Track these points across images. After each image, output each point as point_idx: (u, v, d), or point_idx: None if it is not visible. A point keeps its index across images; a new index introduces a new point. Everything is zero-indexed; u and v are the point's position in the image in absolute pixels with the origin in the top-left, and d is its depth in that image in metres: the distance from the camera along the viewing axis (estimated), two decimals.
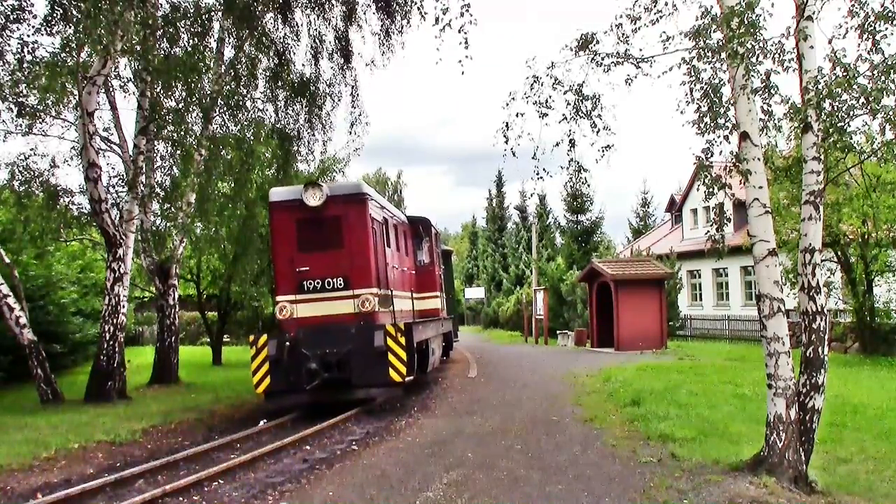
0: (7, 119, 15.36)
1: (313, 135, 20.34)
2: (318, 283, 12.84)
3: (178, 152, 18.13)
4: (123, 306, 16.13)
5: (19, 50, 13.47)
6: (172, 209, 18.72)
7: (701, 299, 36.18)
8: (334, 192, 13.19)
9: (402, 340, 12.31)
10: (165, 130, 17.41)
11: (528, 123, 8.06)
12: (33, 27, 13.44)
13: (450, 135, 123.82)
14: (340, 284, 12.82)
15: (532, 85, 8.13)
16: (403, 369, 12.32)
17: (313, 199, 12.83)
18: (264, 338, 12.49)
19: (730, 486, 6.96)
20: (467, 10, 7.98)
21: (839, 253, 21.07)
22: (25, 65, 13.62)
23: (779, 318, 7.41)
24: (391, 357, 12.28)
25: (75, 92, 15.30)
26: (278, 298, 13.05)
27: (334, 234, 12.96)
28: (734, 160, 7.89)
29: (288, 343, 12.26)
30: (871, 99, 7.14)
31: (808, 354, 7.47)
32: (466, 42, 8.12)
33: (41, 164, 16.72)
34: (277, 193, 13.68)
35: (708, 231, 8.43)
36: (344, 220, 12.99)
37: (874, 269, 20.98)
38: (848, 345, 22.76)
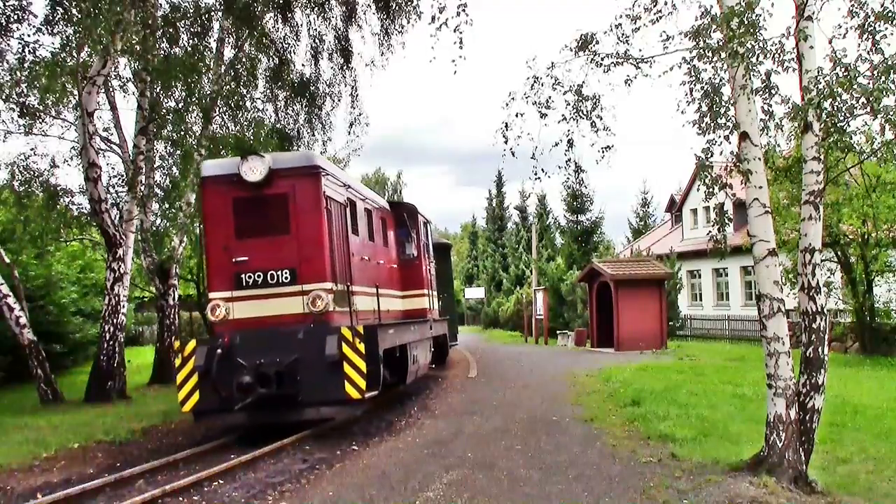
0: (7, 119, 15.39)
1: (313, 135, 20.39)
2: (258, 276, 10.69)
3: (178, 152, 18.14)
4: (123, 306, 16.13)
5: (20, 50, 13.50)
6: (172, 209, 18.72)
7: (701, 299, 36.18)
8: (279, 164, 10.92)
9: (362, 347, 10.18)
10: (165, 130, 17.42)
11: (528, 123, 8.07)
12: (34, 27, 13.47)
13: (450, 135, 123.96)
14: (286, 278, 10.67)
15: (532, 85, 8.13)
16: (362, 383, 10.17)
17: (253, 172, 10.67)
18: (192, 344, 10.48)
19: (730, 486, 6.96)
20: (463, 10, 7.98)
21: (839, 253, 21.07)
22: (26, 65, 13.64)
23: (779, 318, 7.41)
24: (347, 368, 10.16)
25: (75, 92, 15.31)
26: (211, 296, 10.94)
27: (279, 217, 10.80)
28: (734, 160, 7.89)
29: (220, 351, 10.21)
30: (871, 99, 7.13)
31: (808, 354, 7.46)
32: (461, 42, 8.11)
33: (41, 164, 16.77)
34: (210, 166, 11.55)
35: (709, 231, 8.44)
36: (291, 198, 10.82)
37: (874, 269, 20.98)
38: (848, 345, 22.76)
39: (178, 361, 10.46)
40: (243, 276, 10.72)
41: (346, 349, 10.20)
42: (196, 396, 10.31)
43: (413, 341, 13.81)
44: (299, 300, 10.63)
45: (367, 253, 13.00)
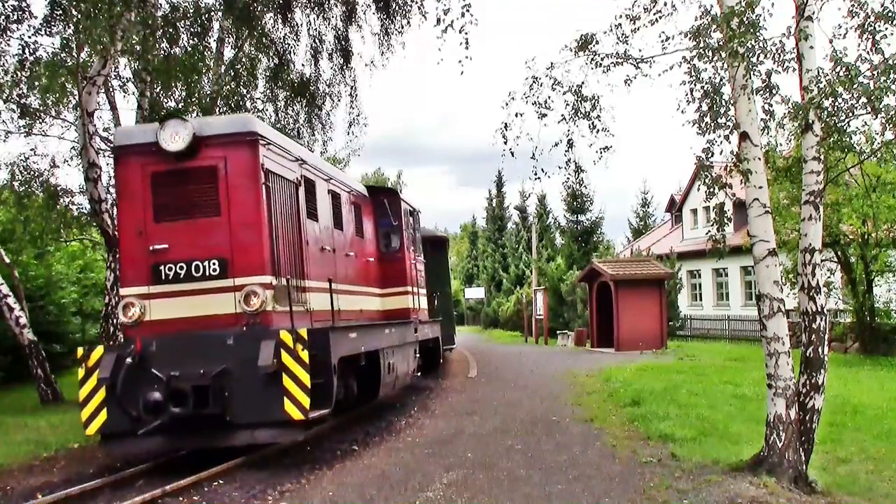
0: (7, 119, 15.40)
1: (313, 135, 20.37)
2: (181, 268, 8.84)
3: None
4: None
5: (20, 51, 13.50)
6: None
7: (701, 299, 36.18)
8: (207, 130, 9.02)
9: (305, 355, 8.36)
10: None
11: (528, 124, 8.09)
12: (34, 28, 13.46)
13: (451, 135, 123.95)
14: (215, 270, 8.82)
15: (531, 85, 8.14)
16: (306, 400, 8.30)
17: (174, 140, 8.78)
18: (98, 351, 8.71)
19: (730, 486, 6.96)
20: (468, 11, 7.99)
21: (839, 253, 21.08)
22: (26, 65, 13.64)
23: (779, 318, 7.41)
24: (287, 381, 8.33)
25: (75, 92, 15.31)
26: (122, 292, 9.10)
27: (207, 195, 8.95)
28: (734, 160, 7.90)
29: (130, 360, 8.41)
30: (873, 98, 7.14)
31: (808, 354, 7.47)
32: (467, 43, 8.14)
33: (41, 164, 16.78)
34: (123, 133, 9.85)
35: (709, 231, 8.44)
36: (222, 172, 8.93)
37: (874, 269, 20.99)
38: (848, 345, 22.76)
39: (81, 373, 8.66)
40: (162, 267, 8.85)
41: (285, 358, 8.35)
42: (103, 416, 8.50)
43: (389, 346, 11.96)
44: (230, 297, 8.80)
45: (330, 243, 11.14)
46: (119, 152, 9.40)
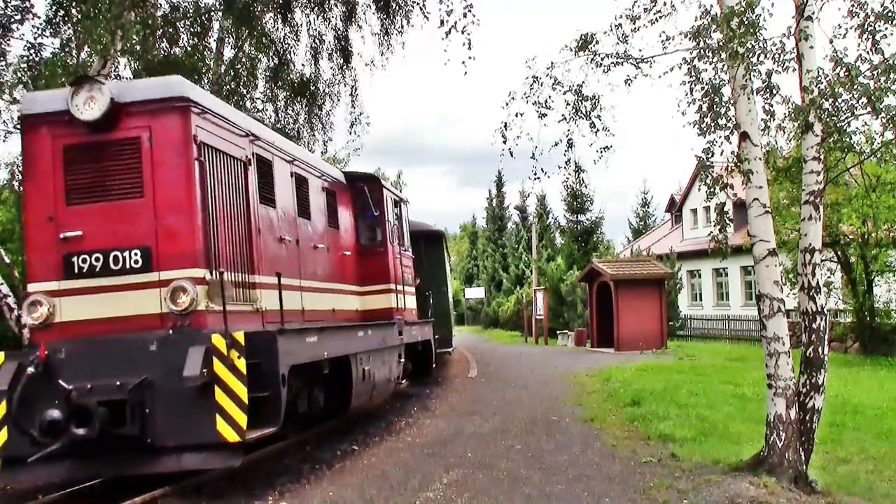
0: (8, 119, 15.38)
1: (313, 135, 20.36)
2: (97, 259, 7.42)
3: None
4: None
5: (26, 51, 13.51)
6: None
7: (701, 299, 36.19)
8: (128, 95, 7.57)
9: (242, 365, 6.97)
10: None
11: (528, 123, 8.09)
12: (37, 28, 13.47)
13: (453, 135, 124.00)
14: (137, 262, 7.40)
15: (532, 85, 8.14)
16: (242, 418, 6.92)
17: (89, 107, 7.37)
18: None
19: (730, 486, 6.96)
20: (470, 11, 8.01)
21: (839, 253, 21.09)
22: (27, 65, 13.65)
23: (779, 318, 7.41)
24: (220, 396, 6.93)
25: None
26: (29, 288, 7.73)
27: (128, 172, 7.53)
28: (735, 160, 7.90)
29: (32, 369, 6.99)
30: (873, 98, 7.14)
31: (808, 354, 7.47)
32: (470, 43, 8.16)
33: None
34: (30, 100, 8.41)
35: (711, 232, 8.44)
36: (146, 145, 7.52)
37: (874, 269, 21.00)
38: (848, 345, 22.77)
39: None
40: (75, 259, 7.43)
41: (217, 367, 6.94)
42: (3, 436, 7.05)
43: (363, 351, 10.43)
44: (155, 294, 7.38)
45: (292, 233, 9.68)
46: (25, 122, 7.79)
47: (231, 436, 6.92)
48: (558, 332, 31.22)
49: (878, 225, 19.64)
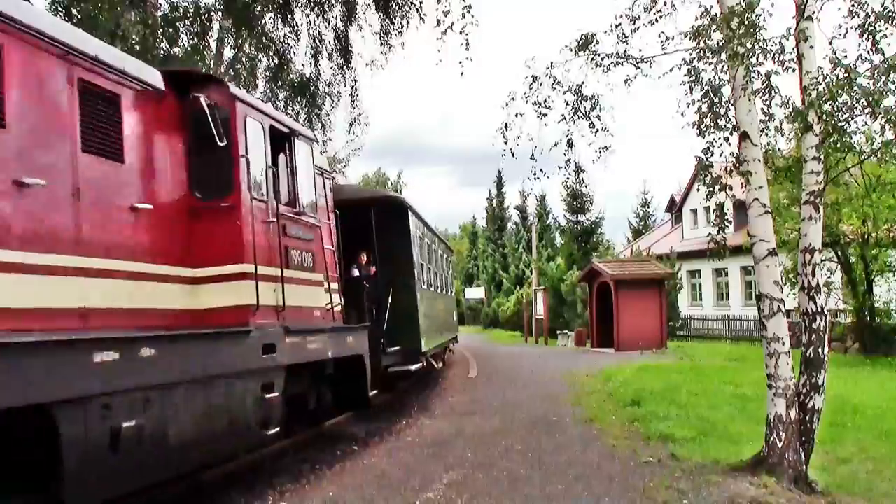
0: None
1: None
2: None
3: None
4: None
5: None
6: None
7: (701, 299, 36.20)
8: None
9: None
10: None
11: (528, 123, 8.09)
12: None
13: (453, 135, 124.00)
14: None
15: (531, 85, 8.14)
16: None
17: None
18: None
19: (730, 486, 6.96)
20: (468, 12, 8.01)
21: (839, 253, 21.08)
22: None
23: (779, 318, 7.41)
24: None
25: None
26: None
27: None
28: (735, 161, 7.90)
29: None
30: (872, 101, 7.13)
31: (808, 355, 7.46)
32: (468, 44, 8.15)
33: None
34: None
35: (710, 233, 8.43)
36: None
37: (874, 269, 21.00)
38: (848, 345, 22.76)
39: None
40: None
41: None
42: None
43: (128, 390, 5.67)
44: None
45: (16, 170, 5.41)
46: None
47: None
48: (558, 332, 31.23)
49: (878, 225, 19.64)
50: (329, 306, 9.78)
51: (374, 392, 10.96)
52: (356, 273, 12.78)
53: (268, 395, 7.66)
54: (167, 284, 7.12)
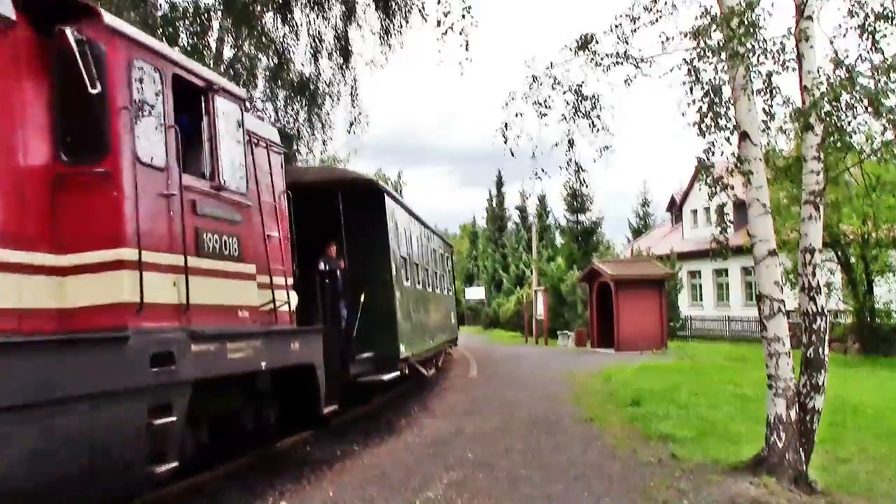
0: None
1: (313, 134, 20.38)
2: None
3: None
4: None
5: None
6: None
7: (701, 299, 36.19)
8: None
9: None
10: None
11: (528, 123, 8.08)
12: None
13: (453, 135, 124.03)
14: None
15: (531, 85, 8.13)
16: None
17: None
18: None
19: (730, 486, 6.96)
20: (468, 13, 8.00)
21: (839, 253, 21.09)
22: None
23: (779, 318, 7.41)
24: None
25: None
26: None
27: None
28: (735, 161, 7.89)
29: None
30: (875, 100, 7.13)
31: (808, 355, 7.46)
32: (467, 44, 8.14)
33: None
34: None
35: (713, 234, 8.42)
36: None
37: (874, 269, 21.00)
38: (848, 345, 22.76)
39: None
40: None
41: None
42: None
43: None
44: None
45: None
46: None
47: None
48: (558, 332, 31.22)
49: (878, 225, 19.64)
50: (270, 306, 7.90)
51: (334, 407, 9.12)
52: (323, 267, 11.10)
53: (158, 421, 5.67)
54: (21, 276, 5.24)
